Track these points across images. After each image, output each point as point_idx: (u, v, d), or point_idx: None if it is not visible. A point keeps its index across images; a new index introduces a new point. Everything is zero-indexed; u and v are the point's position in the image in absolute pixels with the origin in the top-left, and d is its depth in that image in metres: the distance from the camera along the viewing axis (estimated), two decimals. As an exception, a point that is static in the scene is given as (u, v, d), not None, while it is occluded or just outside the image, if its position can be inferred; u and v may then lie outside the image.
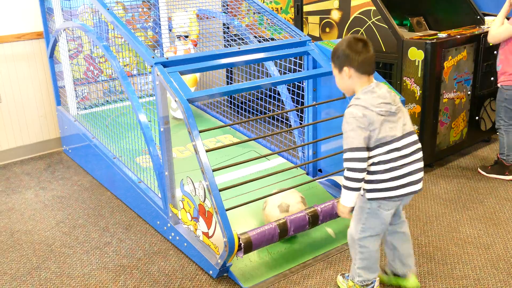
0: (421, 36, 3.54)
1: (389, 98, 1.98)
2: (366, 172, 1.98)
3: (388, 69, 3.53)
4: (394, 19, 3.55)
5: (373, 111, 1.93)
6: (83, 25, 3.29)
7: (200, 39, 3.12)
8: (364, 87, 2.00)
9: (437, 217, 2.96)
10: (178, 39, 3.70)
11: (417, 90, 3.38)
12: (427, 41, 3.28)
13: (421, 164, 2.05)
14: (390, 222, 2.16)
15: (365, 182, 2.02)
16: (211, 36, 3.39)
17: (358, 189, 1.99)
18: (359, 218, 2.12)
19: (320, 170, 3.19)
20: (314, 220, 2.51)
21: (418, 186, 2.05)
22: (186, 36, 3.67)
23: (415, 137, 2.05)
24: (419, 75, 3.35)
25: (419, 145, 2.07)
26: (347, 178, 1.98)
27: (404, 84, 3.43)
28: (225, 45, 2.92)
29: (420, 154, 2.06)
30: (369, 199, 2.05)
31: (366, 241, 2.12)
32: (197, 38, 3.75)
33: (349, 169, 1.96)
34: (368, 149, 1.97)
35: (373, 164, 1.99)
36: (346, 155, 1.96)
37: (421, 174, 2.05)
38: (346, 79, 2.02)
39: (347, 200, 2.02)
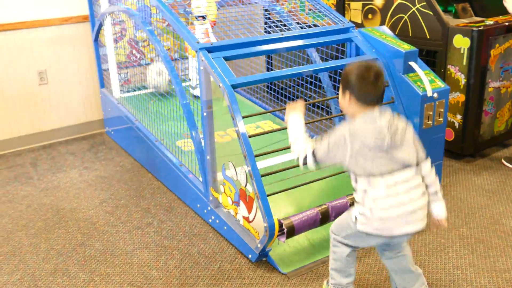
0: (467, 23, 3.46)
1: (386, 132, 1.78)
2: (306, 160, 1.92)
3: (432, 57, 3.47)
4: (439, 5, 3.47)
5: (363, 143, 1.78)
6: (128, 9, 3.34)
7: (242, 24, 3.13)
8: (366, 112, 1.83)
9: (479, 208, 2.91)
10: (197, 19, 3.76)
11: (462, 79, 3.31)
12: (474, 29, 3.20)
13: (423, 201, 1.86)
14: (388, 254, 2.02)
15: (359, 213, 1.87)
16: (252, 21, 3.39)
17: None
18: (344, 227, 1.98)
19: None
20: (354, 207, 2.51)
21: (418, 226, 1.84)
22: (204, 17, 3.72)
23: (413, 171, 1.84)
24: (464, 63, 3.28)
25: (420, 181, 1.86)
26: (293, 147, 1.98)
27: (448, 72, 3.37)
28: (265, 29, 2.92)
29: (421, 190, 1.85)
30: (360, 230, 1.89)
31: (342, 245, 2.00)
32: (215, 18, 3.80)
33: (297, 151, 1.96)
34: (357, 174, 1.84)
35: (365, 193, 1.84)
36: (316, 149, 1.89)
37: (423, 213, 1.85)
38: (346, 102, 1.88)
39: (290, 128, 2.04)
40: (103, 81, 4.14)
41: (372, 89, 1.82)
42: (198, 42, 2.53)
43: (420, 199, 1.84)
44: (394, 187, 1.80)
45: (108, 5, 3.79)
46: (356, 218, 1.89)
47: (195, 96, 3.86)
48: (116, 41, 4.00)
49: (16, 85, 3.93)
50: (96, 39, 3.99)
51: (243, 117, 2.32)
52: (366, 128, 1.81)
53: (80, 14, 4.04)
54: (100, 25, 3.85)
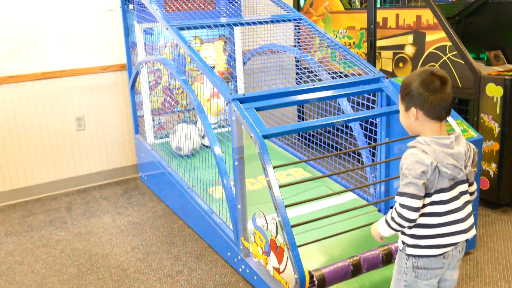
0: (500, 71, 3.45)
1: (462, 161, 1.71)
2: (414, 223, 1.76)
3: (464, 105, 3.45)
4: (470, 52, 3.48)
5: (438, 169, 1.69)
6: (164, 59, 3.46)
7: (274, 74, 3.19)
8: (441, 136, 1.71)
9: (517, 262, 2.83)
10: None
11: (496, 127, 3.27)
12: (506, 77, 3.18)
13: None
14: None
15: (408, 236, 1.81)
16: (284, 70, 3.47)
17: (398, 231, 1.81)
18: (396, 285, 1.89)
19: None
20: (388, 258, 2.47)
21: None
22: (213, 67, 3.80)
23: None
24: (497, 112, 3.25)
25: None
26: (393, 219, 1.77)
27: (482, 120, 3.34)
28: (296, 79, 2.98)
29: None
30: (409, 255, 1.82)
31: None
32: (223, 69, 3.87)
33: (399, 215, 1.74)
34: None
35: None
36: (399, 200, 1.74)
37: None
38: (411, 120, 1.75)
39: (384, 230, 1.84)
40: (137, 127, 4.25)
41: (441, 98, 1.67)
42: (230, 93, 2.59)
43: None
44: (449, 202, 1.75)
45: (145, 54, 3.94)
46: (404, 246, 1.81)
47: (203, 145, 3.92)
48: (151, 88, 4.13)
49: (55, 130, 4.07)
50: (133, 86, 4.13)
51: (274, 167, 2.33)
52: (442, 154, 1.68)
53: (118, 62, 4.20)
54: (137, 74, 3.98)
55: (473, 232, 1.80)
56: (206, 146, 3.99)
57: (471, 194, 1.87)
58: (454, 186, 1.75)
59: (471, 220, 1.80)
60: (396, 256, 1.90)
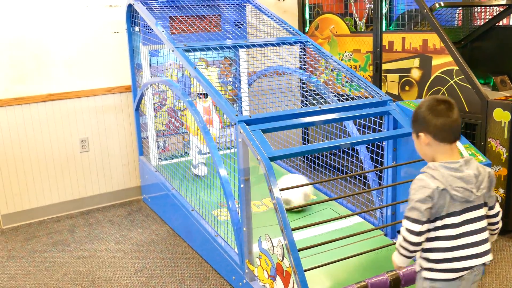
0: (507, 96, 3.43)
1: (473, 183, 1.73)
2: (420, 246, 1.78)
3: (471, 130, 3.43)
4: (477, 77, 3.47)
5: (448, 192, 1.71)
6: (169, 81, 3.46)
7: (279, 95, 3.19)
8: (449, 161, 1.75)
9: (528, 289, 2.77)
10: (199, 97, 3.83)
11: (503, 152, 3.25)
12: (514, 102, 3.17)
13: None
14: None
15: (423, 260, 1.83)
16: (289, 92, 3.46)
17: (409, 257, 1.82)
18: None
19: (399, 232, 3.09)
20: (396, 284, 2.42)
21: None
22: (206, 95, 3.79)
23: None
24: (505, 137, 3.22)
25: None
26: (399, 244, 1.82)
27: (489, 145, 3.31)
28: (302, 101, 2.97)
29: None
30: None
31: None
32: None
33: (403, 238, 1.79)
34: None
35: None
36: (404, 223, 1.79)
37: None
38: (423, 145, 1.81)
39: (397, 259, 1.87)
40: (142, 149, 4.23)
41: (448, 121, 1.73)
42: (236, 115, 2.58)
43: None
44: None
45: (150, 76, 3.95)
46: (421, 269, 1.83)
47: (196, 175, 3.88)
48: (156, 110, 4.13)
49: (59, 152, 4.06)
50: (137, 108, 4.13)
51: (281, 190, 2.31)
52: (451, 177, 1.71)
53: (123, 84, 4.21)
54: (142, 95, 3.98)
55: (489, 257, 1.81)
56: (197, 176, 3.90)
57: (493, 217, 1.87)
58: (469, 210, 1.76)
59: (487, 246, 1.81)
60: (416, 278, 1.92)
